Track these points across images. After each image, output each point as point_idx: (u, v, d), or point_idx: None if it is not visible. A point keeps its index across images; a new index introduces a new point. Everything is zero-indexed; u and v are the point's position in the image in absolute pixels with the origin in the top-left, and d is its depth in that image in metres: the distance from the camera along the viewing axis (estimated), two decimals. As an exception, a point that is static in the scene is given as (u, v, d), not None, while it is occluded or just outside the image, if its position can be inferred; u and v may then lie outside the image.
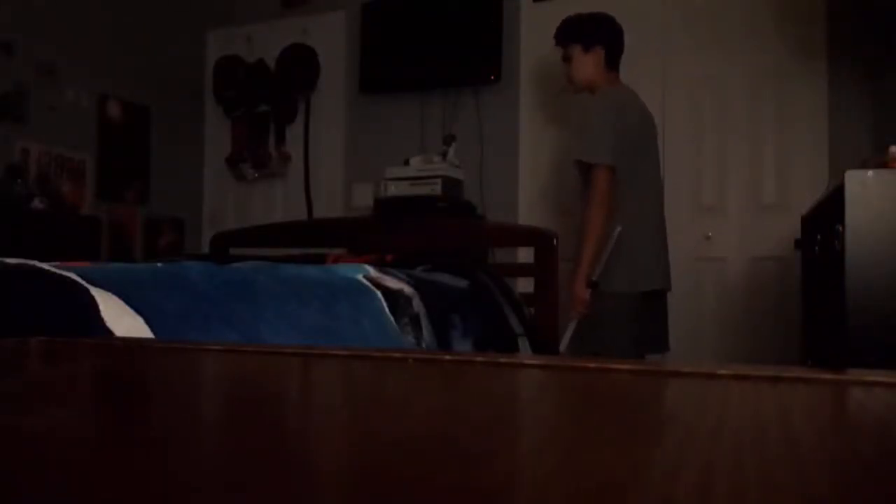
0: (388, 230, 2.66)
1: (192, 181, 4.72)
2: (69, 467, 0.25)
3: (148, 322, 0.98)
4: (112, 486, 0.23)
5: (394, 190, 3.73)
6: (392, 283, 1.49)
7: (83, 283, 0.99)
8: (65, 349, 0.67)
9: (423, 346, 1.42)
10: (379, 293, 1.40)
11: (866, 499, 0.23)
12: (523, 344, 1.81)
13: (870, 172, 1.86)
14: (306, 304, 1.26)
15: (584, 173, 2.54)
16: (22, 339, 0.70)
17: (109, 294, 0.99)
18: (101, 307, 0.96)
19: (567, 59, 2.67)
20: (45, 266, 1.04)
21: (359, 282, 1.42)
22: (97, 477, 0.24)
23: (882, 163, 1.91)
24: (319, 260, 1.96)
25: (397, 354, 0.62)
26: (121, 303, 0.98)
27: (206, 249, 3.97)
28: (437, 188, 3.64)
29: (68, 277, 1.00)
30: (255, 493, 0.22)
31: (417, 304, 1.48)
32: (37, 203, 3.52)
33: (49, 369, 0.57)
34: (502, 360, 0.62)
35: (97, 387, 0.49)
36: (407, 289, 1.50)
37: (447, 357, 0.62)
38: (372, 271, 1.50)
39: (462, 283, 1.82)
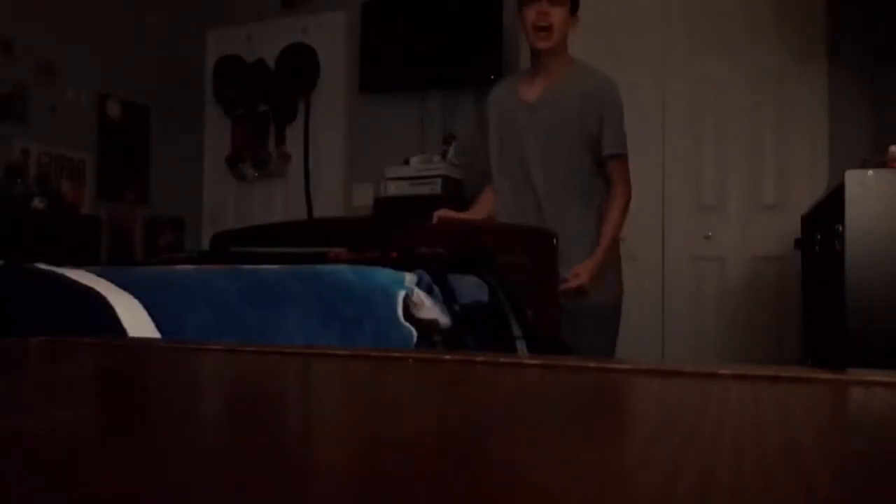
0: (388, 230, 2.66)
1: (192, 181, 4.72)
2: (68, 467, 0.25)
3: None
4: (112, 486, 0.23)
5: (394, 190, 3.73)
6: (427, 312, 1.45)
7: (107, 295, 0.98)
8: (64, 349, 0.67)
9: None
10: (411, 329, 1.36)
11: (866, 499, 0.23)
12: (521, 346, 1.80)
13: (870, 172, 1.86)
14: (326, 325, 1.25)
15: (594, 164, 2.33)
16: (22, 338, 0.70)
17: (134, 305, 0.98)
18: (124, 320, 0.95)
19: (558, 2, 2.27)
20: (69, 274, 1.03)
21: (392, 310, 1.36)
22: (97, 477, 0.24)
23: (882, 163, 1.91)
24: (319, 259, 1.95)
25: (397, 354, 0.62)
26: (145, 316, 0.98)
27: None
28: (437, 188, 3.65)
29: (92, 289, 0.99)
30: (255, 493, 0.22)
31: (443, 333, 1.47)
32: (37, 203, 3.53)
33: (48, 369, 0.57)
34: (502, 359, 0.62)
35: (97, 387, 0.49)
36: (442, 319, 1.47)
37: (447, 357, 0.62)
38: (412, 288, 1.44)
39: (483, 292, 1.80)
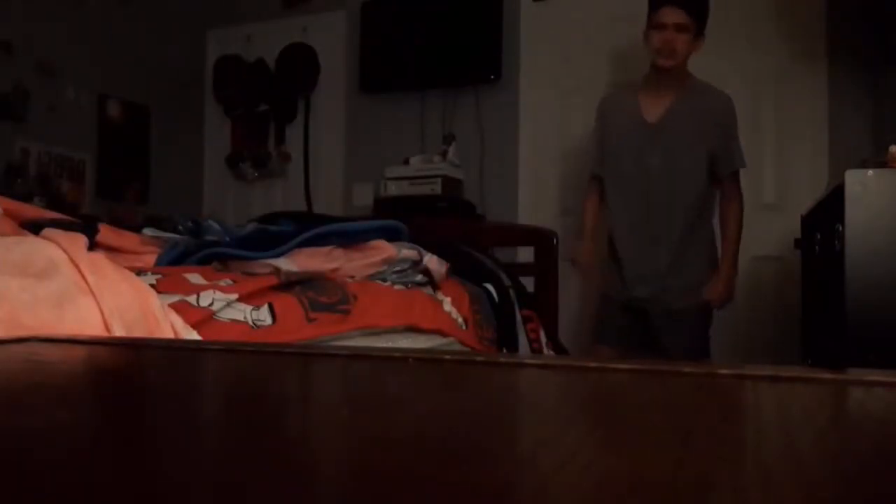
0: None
1: (192, 181, 4.72)
2: (69, 467, 0.25)
3: None
4: (112, 486, 0.23)
5: (394, 190, 3.73)
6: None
7: None
8: (64, 349, 0.67)
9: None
10: None
11: (866, 498, 0.23)
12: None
13: (870, 172, 1.86)
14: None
15: (709, 180, 2.54)
16: (23, 338, 0.70)
17: None
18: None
19: (683, 29, 2.53)
20: None
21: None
22: (97, 477, 0.24)
23: (882, 163, 1.91)
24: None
25: (397, 354, 0.62)
26: None
27: (206, 249, 3.96)
28: (437, 188, 3.65)
29: None
30: (254, 494, 0.22)
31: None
32: (37, 203, 3.52)
33: (48, 368, 0.57)
34: (502, 359, 0.62)
35: (96, 387, 0.49)
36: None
37: (447, 357, 0.62)
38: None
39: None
